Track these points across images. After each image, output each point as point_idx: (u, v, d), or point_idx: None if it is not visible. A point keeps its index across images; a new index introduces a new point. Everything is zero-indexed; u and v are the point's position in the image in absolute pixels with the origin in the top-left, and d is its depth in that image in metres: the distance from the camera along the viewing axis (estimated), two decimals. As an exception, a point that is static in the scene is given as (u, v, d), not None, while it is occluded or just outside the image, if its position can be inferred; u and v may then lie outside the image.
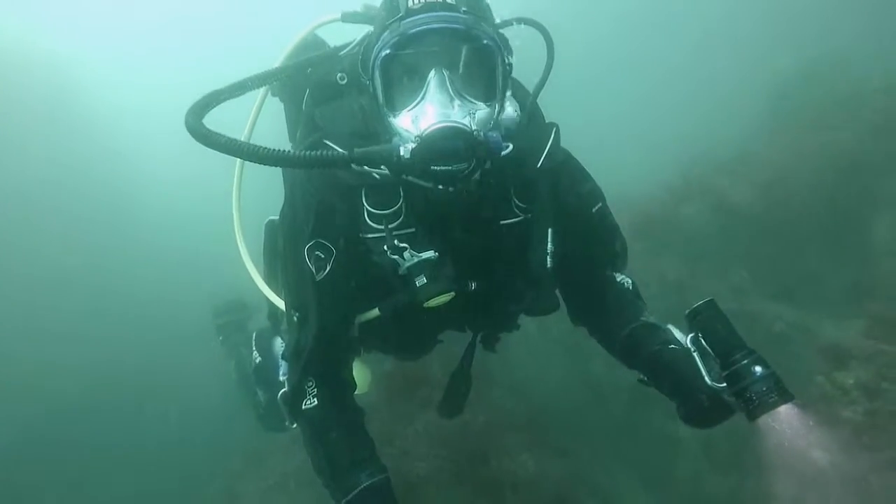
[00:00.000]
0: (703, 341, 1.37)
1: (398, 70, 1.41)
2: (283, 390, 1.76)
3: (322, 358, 1.64)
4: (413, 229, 1.59)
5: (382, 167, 1.47)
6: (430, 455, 3.20)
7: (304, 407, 1.64)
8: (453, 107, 1.36)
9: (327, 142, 1.57)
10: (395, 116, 1.43)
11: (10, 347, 5.53)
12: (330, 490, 1.60)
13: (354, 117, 1.63)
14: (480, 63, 1.41)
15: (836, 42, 5.70)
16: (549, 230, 1.64)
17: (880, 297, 2.62)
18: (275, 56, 2.17)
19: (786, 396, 1.23)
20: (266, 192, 2.32)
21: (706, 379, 1.34)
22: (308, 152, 1.33)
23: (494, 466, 3.20)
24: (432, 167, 1.33)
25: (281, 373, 2.47)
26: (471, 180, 1.47)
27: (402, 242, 1.56)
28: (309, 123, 1.77)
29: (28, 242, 6.41)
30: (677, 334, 1.58)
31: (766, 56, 6.76)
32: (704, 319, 1.37)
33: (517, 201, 1.67)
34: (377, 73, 1.42)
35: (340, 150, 1.46)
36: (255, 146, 1.32)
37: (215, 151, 1.37)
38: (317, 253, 1.59)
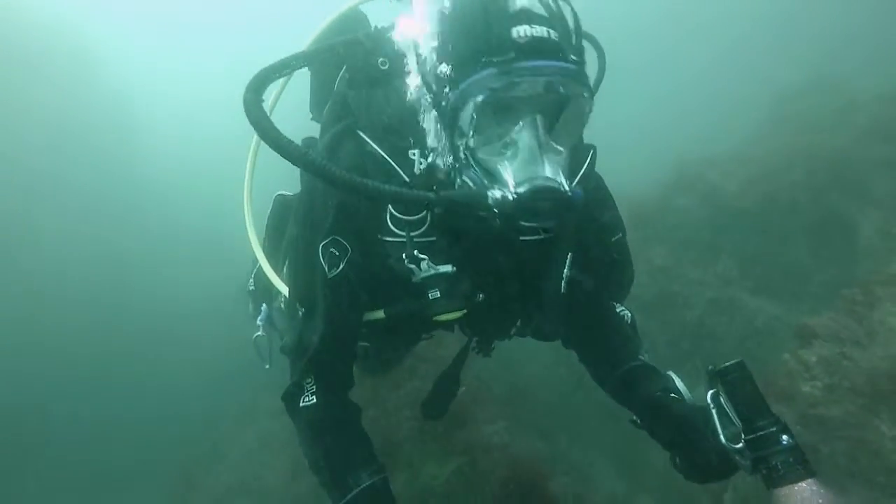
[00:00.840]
0: (722, 400, 1.33)
1: (491, 109, 1.29)
2: (283, 389, 1.69)
3: (325, 356, 1.60)
4: (433, 238, 1.54)
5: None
6: (411, 417, 3.31)
7: (301, 404, 1.61)
8: (545, 160, 1.28)
9: (360, 132, 1.55)
10: (475, 153, 1.34)
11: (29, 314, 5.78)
12: (328, 489, 1.57)
13: (391, 107, 1.57)
14: (576, 113, 1.34)
15: (835, 60, 5.82)
16: (570, 255, 1.59)
17: (854, 285, 2.71)
18: (311, 27, 2.08)
19: (809, 471, 1.21)
20: (279, 179, 2.29)
21: (721, 437, 1.29)
22: (388, 187, 1.26)
23: (470, 430, 3.28)
24: (521, 222, 1.28)
25: (262, 308, 2.57)
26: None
27: (421, 252, 1.51)
28: (339, 104, 1.71)
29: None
30: (678, 383, 1.56)
31: (771, 70, 6.90)
32: (733, 380, 1.31)
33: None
34: (471, 110, 1.28)
35: (377, 148, 1.49)
36: (330, 167, 1.24)
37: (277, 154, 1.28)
38: (332, 250, 1.54)
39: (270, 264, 2.18)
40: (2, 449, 5.10)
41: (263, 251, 2.24)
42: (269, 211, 2.50)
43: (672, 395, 1.54)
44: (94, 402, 5.60)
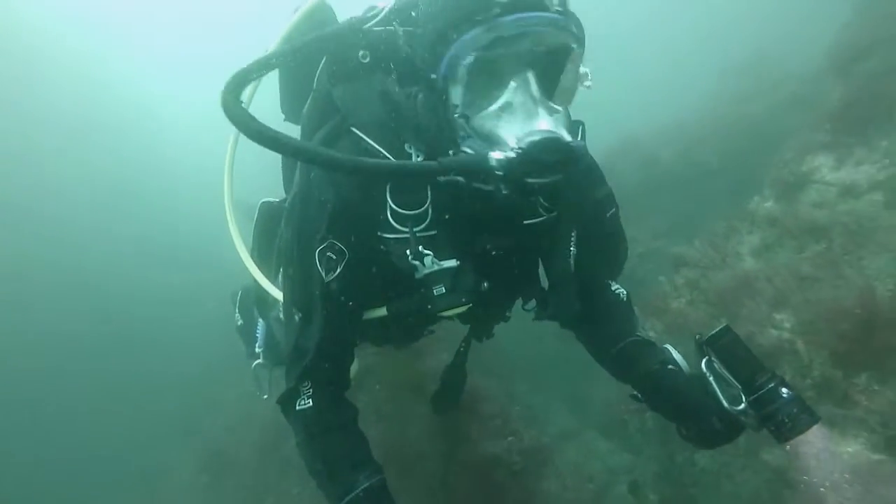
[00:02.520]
0: (716, 365, 1.37)
1: (483, 70, 1.26)
2: (279, 394, 1.68)
3: (322, 361, 1.59)
4: (434, 232, 1.50)
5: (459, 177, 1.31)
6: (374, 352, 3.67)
7: (297, 407, 1.60)
8: (542, 114, 1.26)
9: (354, 129, 1.50)
10: (472, 119, 1.31)
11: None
12: (325, 492, 1.57)
13: (378, 100, 1.52)
14: (569, 68, 1.33)
15: (780, 40, 6.29)
16: (573, 232, 1.59)
17: (719, 220, 3.34)
18: (279, 24, 1.97)
19: (814, 417, 1.26)
20: (260, 172, 2.33)
21: (723, 402, 1.33)
22: (389, 162, 1.28)
23: (426, 362, 3.40)
24: (528, 179, 1.24)
25: (257, 333, 2.61)
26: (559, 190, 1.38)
27: (424, 247, 1.46)
28: (322, 101, 1.66)
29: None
30: (675, 355, 1.57)
31: (723, 47, 7.38)
32: (724, 345, 1.37)
33: (542, 200, 1.58)
34: (462, 74, 1.25)
35: (376, 145, 1.44)
36: (325, 151, 1.24)
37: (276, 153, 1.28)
38: (328, 254, 1.50)
39: (262, 272, 2.12)
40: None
41: (253, 260, 2.17)
42: (255, 219, 2.38)
43: (670, 366, 1.55)
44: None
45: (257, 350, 2.56)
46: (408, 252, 1.45)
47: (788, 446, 1.30)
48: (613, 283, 1.84)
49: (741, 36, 7.07)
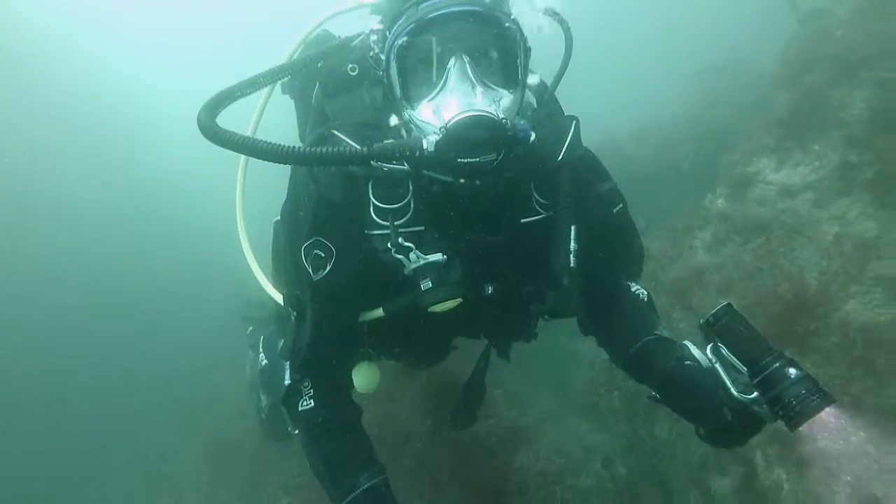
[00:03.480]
0: (723, 350, 1.26)
1: (415, 58, 1.30)
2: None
3: (317, 359, 1.61)
4: (422, 227, 1.51)
5: (401, 162, 1.38)
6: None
7: (300, 408, 1.62)
8: (476, 95, 1.26)
9: (335, 132, 1.51)
10: (413, 108, 1.34)
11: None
12: (328, 492, 1.58)
13: (365, 109, 1.57)
14: (502, 48, 1.33)
15: (755, 40, 6.55)
16: (573, 227, 1.54)
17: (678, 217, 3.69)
18: (282, 50, 2.11)
19: (827, 399, 1.12)
20: (272, 190, 2.24)
21: (732, 390, 1.24)
22: (321, 149, 1.24)
23: None
24: (458, 160, 1.24)
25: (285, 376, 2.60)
26: (500, 173, 1.37)
27: (408, 241, 1.47)
28: (319, 116, 1.73)
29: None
30: (694, 351, 1.49)
31: (699, 49, 7.63)
32: (724, 326, 1.25)
33: (538, 197, 1.58)
34: (392, 63, 1.31)
35: (353, 143, 1.43)
36: (266, 143, 1.24)
37: (228, 150, 1.31)
38: (316, 251, 1.50)
39: (279, 290, 2.10)
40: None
41: (271, 279, 2.21)
42: (271, 239, 2.37)
43: (687, 362, 1.47)
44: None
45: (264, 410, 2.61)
46: (389, 245, 1.47)
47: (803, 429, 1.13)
48: (634, 283, 1.80)
49: (721, 33, 7.33)
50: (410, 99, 1.36)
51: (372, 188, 1.49)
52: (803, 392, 1.12)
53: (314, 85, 1.86)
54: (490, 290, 1.61)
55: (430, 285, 1.49)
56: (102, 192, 8.08)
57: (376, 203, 1.49)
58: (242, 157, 2.25)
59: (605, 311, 1.75)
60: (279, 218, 2.27)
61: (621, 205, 1.73)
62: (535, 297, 1.68)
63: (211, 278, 6.30)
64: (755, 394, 1.21)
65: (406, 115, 1.37)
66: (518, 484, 3.30)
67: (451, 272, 1.51)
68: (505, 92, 1.33)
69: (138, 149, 8.90)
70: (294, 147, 1.26)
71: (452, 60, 1.28)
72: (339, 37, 2.01)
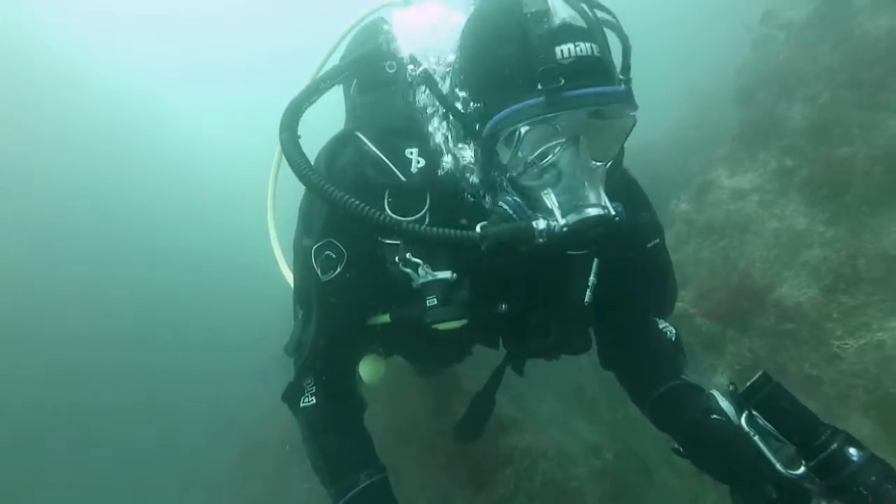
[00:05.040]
0: (760, 420, 1.20)
1: (535, 135, 1.18)
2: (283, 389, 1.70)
3: (320, 360, 1.60)
4: None
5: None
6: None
7: (301, 405, 1.62)
8: (589, 184, 1.19)
9: (359, 134, 1.49)
10: (511, 173, 1.25)
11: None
12: (327, 489, 1.58)
13: (396, 111, 1.51)
14: (620, 130, 1.24)
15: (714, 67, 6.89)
16: (595, 260, 1.46)
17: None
18: (331, 39, 2.05)
19: None
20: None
21: (777, 466, 1.14)
22: (429, 228, 1.20)
23: None
24: (568, 252, 1.25)
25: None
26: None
27: (418, 255, 1.42)
28: (351, 111, 1.69)
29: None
30: (722, 402, 1.36)
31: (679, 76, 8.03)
32: (766, 399, 1.18)
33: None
34: (511, 139, 1.18)
35: (374, 148, 1.43)
36: (358, 206, 1.19)
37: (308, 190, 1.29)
38: (327, 253, 1.48)
39: None
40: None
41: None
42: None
43: (714, 416, 1.35)
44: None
45: None
46: (397, 259, 1.43)
47: None
48: (662, 320, 1.71)
49: (692, 57, 7.77)
50: (515, 169, 1.24)
51: (388, 197, 1.45)
52: (873, 479, 1.01)
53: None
54: (504, 307, 1.55)
55: (436, 303, 1.45)
56: (123, 201, 8.44)
57: (390, 214, 1.42)
58: (275, 161, 2.33)
59: (629, 348, 1.67)
60: None
61: (658, 239, 1.62)
62: (539, 330, 1.61)
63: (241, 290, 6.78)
64: (802, 468, 1.11)
65: (500, 180, 1.29)
66: (517, 472, 3.49)
67: (459, 291, 1.46)
68: (603, 166, 1.26)
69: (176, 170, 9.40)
70: (397, 220, 1.21)
71: (571, 141, 1.18)
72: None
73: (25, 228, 7.30)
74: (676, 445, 1.46)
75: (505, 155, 1.24)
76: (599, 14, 1.25)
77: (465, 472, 3.42)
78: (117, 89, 9.61)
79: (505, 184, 1.28)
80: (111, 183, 8.47)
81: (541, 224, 1.18)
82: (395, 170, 1.44)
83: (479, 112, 1.24)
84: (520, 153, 1.21)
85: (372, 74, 1.62)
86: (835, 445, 1.07)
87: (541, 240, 1.18)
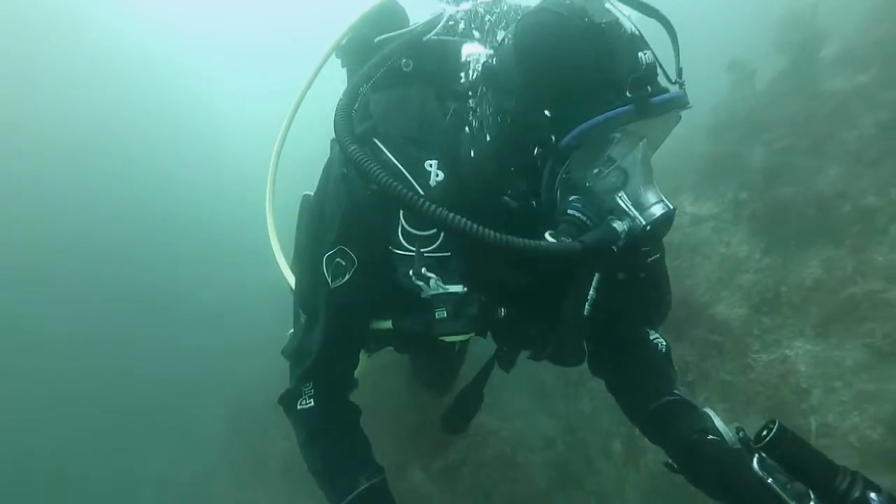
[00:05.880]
0: (768, 461, 1.19)
1: (616, 144, 1.20)
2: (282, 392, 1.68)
3: (325, 366, 1.60)
4: (448, 253, 1.46)
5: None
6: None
7: (299, 407, 1.60)
8: (653, 184, 1.25)
9: (375, 140, 1.47)
10: (576, 178, 1.26)
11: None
12: (326, 492, 1.57)
13: (412, 113, 1.51)
14: (669, 130, 1.31)
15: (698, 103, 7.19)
16: (596, 275, 1.43)
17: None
18: (345, 20, 1.89)
19: None
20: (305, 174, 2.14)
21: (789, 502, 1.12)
22: (531, 242, 1.16)
23: None
24: (643, 249, 1.26)
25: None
26: None
27: (430, 269, 1.43)
28: (362, 108, 1.60)
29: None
30: (717, 422, 1.40)
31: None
32: (783, 449, 1.16)
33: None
34: (597, 146, 1.19)
35: (394, 159, 1.41)
36: (476, 228, 1.14)
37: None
38: (338, 260, 1.49)
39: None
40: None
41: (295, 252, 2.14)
42: (298, 212, 2.37)
43: (710, 437, 1.36)
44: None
45: None
46: (411, 272, 1.43)
47: None
48: (653, 332, 1.75)
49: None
50: (591, 177, 1.26)
51: (403, 210, 1.44)
52: None
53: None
54: (503, 313, 1.60)
55: (446, 316, 1.46)
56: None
57: (405, 226, 1.45)
58: (276, 146, 2.20)
59: (623, 360, 1.69)
60: (309, 193, 2.17)
61: (658, 254, 1.64)
62: (537, 341, 1.65)
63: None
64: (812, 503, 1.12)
65: (566, 188, 1.28)
66: (476, 462, 3.78)
67: (470, 305, 1.48)
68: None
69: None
70: (504, 237, 1.14)
71: (637, 143, 1.22)
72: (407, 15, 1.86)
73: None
74: (669, 461, 1.46)
75: (583, 163, 1.24)
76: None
77: (424, 442, 3.83)
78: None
79: (565, 191, 1.28)
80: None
81: (622, 226, 1.21)
82: (414, 182, 1.43)
83: (551, 121, 1.22)
84: (607, 160, 1.23)
85: (387, 70, 1.55)
86: (857, 494, 1.06)
87: (622, 240, 1.21)
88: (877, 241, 3.08)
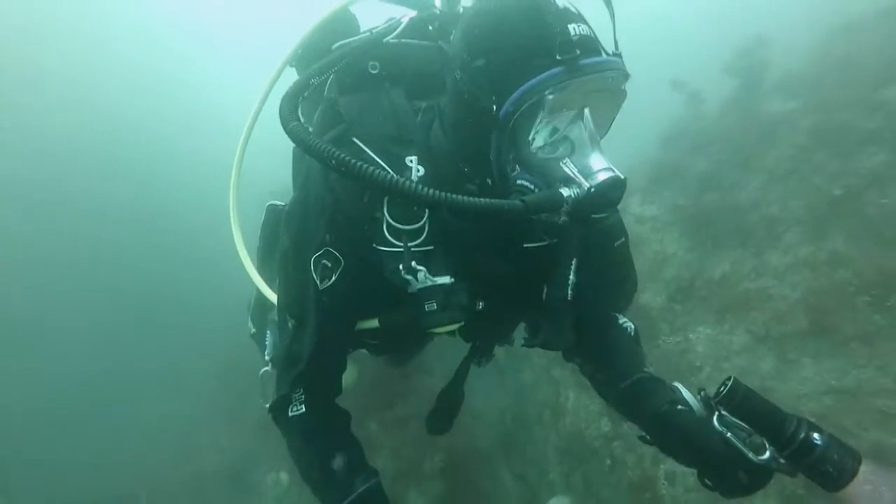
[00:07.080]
0: (728, 418, 1.31)
1: (550, 108, 1.22)
2: (271, 401, 1.66)
3: (316, 371, 1.59)
4: (431, 247, 1.47)
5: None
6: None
7: (290, 414, 1.59)
8: (598, 151, 1.26)
9: (357, 141, 1.47)
10: (524, 152, 1.29)
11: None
12: (321, 497, 1.58)
13: (385, 115, 1.52)
14: (615, 103, 1.34)
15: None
16: (574, 260, 1.49)
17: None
18: (299, 29, 1.93)
19: (856, 456, 1.20)
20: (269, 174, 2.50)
21: (750, 457, 1.26)
22: (479, 200, 1.18)
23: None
24: (593, 216, 1.27)
25: (266, 341, 2.55)
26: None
27: (418, 263, 1.43)
28: (330, 111, 1.61)
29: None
30: (685, 394, 1.48)
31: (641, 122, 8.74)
32: (740, 402, 1.28)
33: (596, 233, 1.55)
34: (533, 110, 1.22)
35: (377, 158, 1.42)
36: (397, 179, 1.17)
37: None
38: (324, 262, 1.48)
39: (264, 275, 2.16)
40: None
41: (258, 261, 2.18)
42: (261, 221, 2.43)
43: (679, 406, 1.46)
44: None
45: (266, 358, 2.50)
46: (401, 267, 1.43)
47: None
48: (620, 316, 1.81)
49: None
50: (535, 154, 1.30)
51: (387, 205, 1.45)
52: (836, 457, 1.19)
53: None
54: (481, 305, 1.62)
55: (435, 308, 1.47)
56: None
57: (391, 222, 1.44)
58: (240, 145, 2.21)
59: (594, 343, 1.74)
60: (276, 203, 2.30)
61: (623, 239, 1.73)
62: (529, 329, 1.73)
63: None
64: (767, 454, 1.26)
65: (514, 159, 1.32)
66: (419, 401, 4.06)
67: (458, 295, 1.49)
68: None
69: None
70: (442, 193, 1.17)
71: (581, 112, 1.27)
72: (370, 29, 1.86)
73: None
74: (643, 434, 1.56)
75: (523, 130, 1.27)
76: None
77: (379, 398, 4.25)
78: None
79: (515, 165, 1.32)
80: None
81: (567, 191, 1.23)
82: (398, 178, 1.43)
83: (491, 92, 1.26)
84: (541, 122, 1.25)
85: (355, 74, 1.61)
86: (802, 435, 1.21)
87: (568, 205, 1.23)
88: (773, 246, 3.60)
